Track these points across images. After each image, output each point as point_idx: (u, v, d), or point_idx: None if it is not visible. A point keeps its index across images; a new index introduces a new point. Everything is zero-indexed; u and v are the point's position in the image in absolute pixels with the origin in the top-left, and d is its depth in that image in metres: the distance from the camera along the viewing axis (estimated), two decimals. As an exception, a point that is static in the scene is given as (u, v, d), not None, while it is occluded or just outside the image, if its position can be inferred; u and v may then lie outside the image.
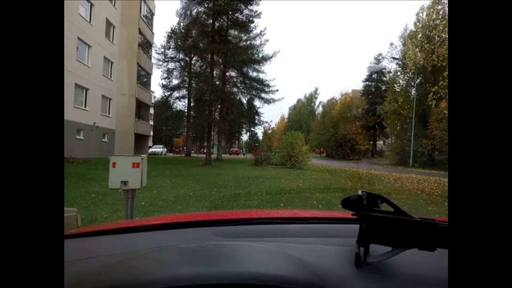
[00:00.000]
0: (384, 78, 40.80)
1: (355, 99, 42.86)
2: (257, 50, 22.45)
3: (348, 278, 0.72)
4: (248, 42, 22.58)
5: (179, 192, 7.87)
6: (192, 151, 31.35)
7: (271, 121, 33.00)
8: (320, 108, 57.36)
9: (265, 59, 22.14)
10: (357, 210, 0.79)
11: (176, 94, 28.43)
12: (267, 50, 43.32)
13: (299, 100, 63.75)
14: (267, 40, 28.35)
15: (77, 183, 8.34)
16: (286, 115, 67.83)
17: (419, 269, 0.80)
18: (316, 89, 63.27)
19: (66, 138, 15.07)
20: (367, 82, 42.82)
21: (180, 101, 28.92)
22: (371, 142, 42.22)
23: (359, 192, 0.77)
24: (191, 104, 27.51)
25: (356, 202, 0.79)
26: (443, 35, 15.22)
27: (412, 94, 25.49)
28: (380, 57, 41.23)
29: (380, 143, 44.96)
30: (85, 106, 17.52)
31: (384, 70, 41.18)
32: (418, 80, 25.28)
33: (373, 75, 42.28)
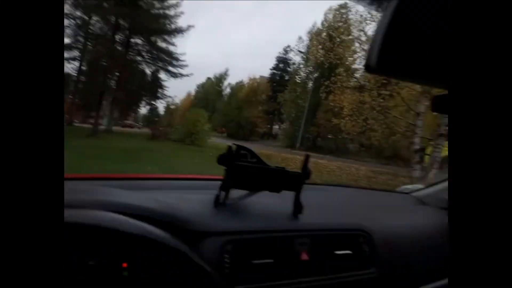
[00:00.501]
0: (289, 69, 43.97)
1: (262, 85, 45.00)
2: (170, 20, 20.74)
3: (207, 216, 0.84)
4: (162, 11, 20.62)
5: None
6: (76, 121, 27.33)
7: (175, 96, 31.55)
8: (228, 90, 57.97)
9: (178, 31, 20.65)
10: (228, 164, 0.89)
11: (66, 54, 24.00)
12: (181, 22, 40.55)
13: (208, 79, 62.79)
14: (182, 13, 26.38)
15: None
16: (193, 92, 66.11)
17: (267, 207, 0.96)
18: (227, 70, 62.89)
19: None
20: (274, 71, 45.34)
21: (69, 63, 24.57)
22: (269, 126, 45.41)
23: (232, 146, 0.88)
24: (83, 68, 23.74)
25: (228, 157, 0.89)
26: (342, 37, 17.33)
27: (309, 86, 28.41)
28: (288, 49, 44.05)
29: (276, 127, 48.89)
30: None
31: (289, 61, 44.37)
32: (316, 74, 28.24)
33: (280, 65, 44.98)
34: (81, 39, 23.89)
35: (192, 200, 0.93)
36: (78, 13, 23.73)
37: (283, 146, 27.53)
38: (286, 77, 43.76)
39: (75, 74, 24.46)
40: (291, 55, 44.35)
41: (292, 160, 13.68)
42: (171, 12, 21.03)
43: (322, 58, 26.77)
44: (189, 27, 21.15)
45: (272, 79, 44.97)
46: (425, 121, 9.12)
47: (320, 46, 27.05)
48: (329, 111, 23.23)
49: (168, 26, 20.69)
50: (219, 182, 0.92)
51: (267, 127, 45.25)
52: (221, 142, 24.95)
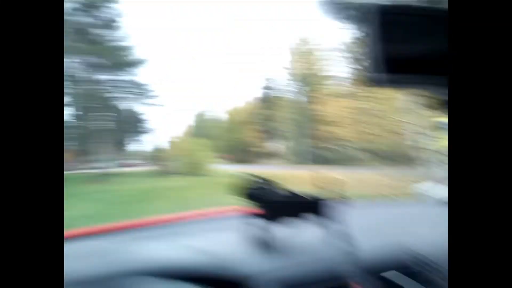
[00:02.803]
0: (279, 88, 44.65)
1: (257, 106, 45.73)
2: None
3: (257, 261, 0.76)
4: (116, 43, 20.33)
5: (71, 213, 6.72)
6: (80, 167, 27.12)
7: (175, 129, 31.50)
8: (226, 116, 58.66)
9: (138, 62, 20.32)
10: (259, 200, 0.85)
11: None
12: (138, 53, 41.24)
13: (204, 108, 63.52)
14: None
15: None
16: (192, 123, 66.58)
17: (312, 241, 0.88)
18: (221, 98, 64.10)
19: None
20: (265, 90, 45.99)
21: (67, 109, 24.56)
22: (271, 145, 45.50)
23: (257, 182, 0.83)
24: (76, 113, 23.77)
25: (256, 191, 0.86)
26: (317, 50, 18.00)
27: (302, 100, 29.45)
28: (277, 68, 44.98)
29: (277, 145, 49.01)
30: None
31: (276, 79, 45.19)
32: (304, 87, 29.37)
33: (269, 83, 45.71)
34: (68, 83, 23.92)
35: (231, 242, 0.86)
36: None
37: (291, 163, 27.51)
38: (279, 95, 44.47)
39: (71, 120, 24.50)
40: (278, 72, 45.47)
41: (303, 176, 13.51)
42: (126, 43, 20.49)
43: (305, 71, 27.67)
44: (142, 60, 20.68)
45: (265, 98, 45.62)
46: (416, 117, 9.15)
47: (300, 61, 28.19)
48: (324, 121, 23.58)
49: (125, 57, 20.26)
50: (241, 214, 0.88)
51: (271, 146, 45.76)
52: (229, 168, 24.90)
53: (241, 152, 40.97)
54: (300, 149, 26.67)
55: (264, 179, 0.89)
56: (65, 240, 0.53)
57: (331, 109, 16.40)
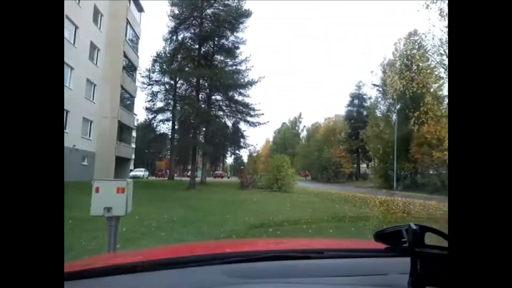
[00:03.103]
0: (365, 104, 42.25)
1: (338, 123, 43.97)
2: (242, 75, 22.80)
3: None
4: (234, 67, 22.94)
5: (162, 217, 7.49)
6: (176, 174, 30.61)
7: (256, 144, 33.03)
8: (305, 132, 58.27)
9: (250, 83, 22.43)
10: (393, 244, 0.72)
11: (160, 116, 28.15)
12: (252, 75, 44.26)
13: (283, 124, 64.69)
14: (253, 66, 28.82)
15: (52, 209, 7.80)
16: (271, 138, 68.50)
17: None
18: (300, 114, 64.31)
19: (42, 161, 14.35)
20: (349, 108, 44.19)
21: (164, 123, 28.62)
22: (355, 165, 42.88)
23: (413, 226, 0.66)
24: (176, 127, 27.23)
25: (393, 235, 0.72)
26: (420, 64, 16.14)
27: (393, 119, 26.36)
28: (361, 84, 42.95)
29: (363, 166, 45.71)
30: (65, 129, 16.94)
31: (364, 96, 42.81)
32: (399, 106, 26.25)
33: (355, 101, 43.73)
34: (171, 101, 28.07)
35: None
36: (166, 79, 28.38)
37: (376, 187, 25.85)
38: (364, 113, 42.08)
39: (169, 133, 28.42)
40: (364, 90, 43.16)
41: (392, 202, 12.30)
42: (243, 67, 23.12)
43: (402, 89, 25.02)
44: (260, 78, 22.64)
45: (348, 116, 43.82)
46: None
47: (396, 77, 25.56)
48: (424, 144, 20.86)
49: (241, 80, 22.43)
50: (369, 260, 0.77)
51: (353, 167, 43.31)
52: (307, 187, 24.59)
53: (321, 170, 39.86)
54: (391, 172, 24.12)
55: (421, 226, 0.68)
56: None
57: (435, 130, 14.45)
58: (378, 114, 29.67)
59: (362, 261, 0.91)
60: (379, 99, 29.77)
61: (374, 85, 29.70)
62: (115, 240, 2.59)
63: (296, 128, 60.98)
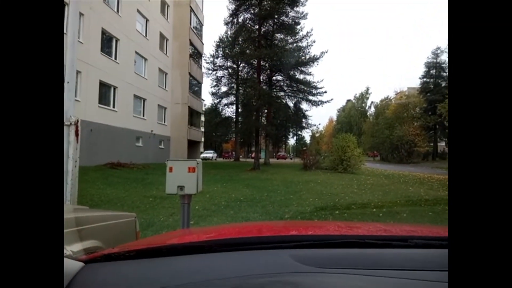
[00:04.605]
0: (444, 74, 37.32)
1: (412, 98, 39.71)
2: (303, 52, 22.01)
3: None
4: (295, 44, 22.22)
5: (230, 196, 7.90)
6: (241, 156, 31.86)
7: (319, 124, 32.14)
8: (372, 109, 54.26)
9: (312, 60, 21.54)
10: None
11: (224, 101, 29.34)
12: (314, 51, 42.22)
13: (348, 101, 61.29)
14: (314, 41, 27.30)
15: (136, 188, 8.86)
16: (335, 117, 65.72)
17: None
18: (367, 89, 59.39)
19: (126, 145, 16.30)
20: (425, 79, 39.56)
21: (228, 107, 29.79)
22: (431, 144, 38.71)
23: None
24: (239, 110, 28.03)
25: None
26: None
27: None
28: (439, 51, 37.90)
29: (441, 144, 40.99)
30: (143, 115, 18.83)
31: (443, 65, 37.74)
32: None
33: (431, 71, 38.91)
34: (234, 85, 28.79)
35: None
36: (229, 63, 29.03)
37: None
38: (443, 84, 37.21)
39: (234, 117, 29.43)
40: (443, 57, 37.91)
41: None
42: (304, 43, 22.20)
43: None
44: (323, 53, 21.51)
45: (424, 88, 39.24)
46: None
47: None
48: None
49: (302, 57, 21.67)
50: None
51: (430, 146, 39.01)
52: (376, 168, 23.17)
53: (391, 150, 36.82)
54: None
55: None
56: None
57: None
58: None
59: (444, 252, 0.78)
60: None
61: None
62: (188, 217, 2.79)
63: (363, 105, 57.07)
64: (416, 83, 42.86)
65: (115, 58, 15.57)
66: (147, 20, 18.90)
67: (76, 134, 2.81)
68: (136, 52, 17.62)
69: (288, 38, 22.27)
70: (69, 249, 1.06)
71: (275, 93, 23.16)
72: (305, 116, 25.58)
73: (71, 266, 0.63)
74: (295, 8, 20.65)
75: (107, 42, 15.09)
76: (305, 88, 22.96)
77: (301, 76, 23.10)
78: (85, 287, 0.60)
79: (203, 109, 35.44)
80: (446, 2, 0.58)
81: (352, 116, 55.79)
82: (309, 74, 23.01)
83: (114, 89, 15.54)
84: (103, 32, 14.49)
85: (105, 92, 14.94)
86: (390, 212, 6.01)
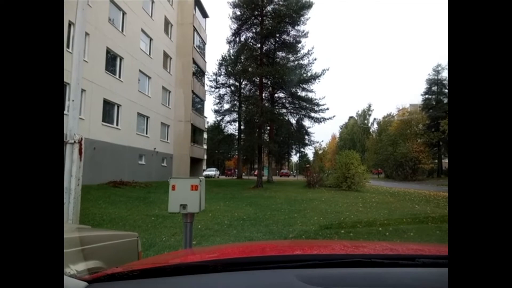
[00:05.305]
0: (446, 90, 37.53)
1: (414, 114, 39.81)
2: (305, 69, 22.31)
3: None
4: (296, 62, 22.57)
5: (233, 215, 7.77)
6: (243, 173, 31.70)
7: (322, 141, 32.08)
8: (375, 126, 54.43)
9: (314, 77, 21.80)
10: None
11: (227, 118, 29.56)
12: (315, 68, 43.05)
13: (351, 118, 61.54)
14: (315, 59, 27.67)
15: (138, 207, 8.76)
16: (338, 134, 65.78)
17: None
18: (370, 105, 60.12)
19: (129, 163, 16.29)
20: (427, 96, 39.77)
21: (231, 124, 29.98)
22: (436, 161, 38.41)
23: None
24: (242, 127, 28.17)
25: None
26: None
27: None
28: (440, 68, 38.30)
29: (446, 161, 40.65)
30: (146, 133, 18.93)
31: (444, 82, 38.02)
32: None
33: (433, 88, 39.18)
34: (236, 102, 29.07)
35: None
36: (231, 81, 29.42)
37: None
38: (445, 100, 37.33)
39: (236, 134, 29.55)
40: (444, 74, 38.26)
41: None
42: (305, 61, 22.50)
43: None
44: (324, 70, 21.77)
45: (426, 105, 39.40)
46: None
47: None
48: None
49: (304, 75, 21.89)
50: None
51: (434, 163, 38.69)
52: (380, 185, 22.89)
53: (395, 167, 36.48)
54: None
55: None
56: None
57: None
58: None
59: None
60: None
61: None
62: (191, 237, 2.71)
63: (365, 121, 57.30)
64: (418, 99, 42.94)
65: (119, 77, 15.83)
66: (151, 39, 19.37)
67: (80, 152, 2.79)
68: (140, 71, 17.94)
69: (290, 56, 22.65)
70: (73, 268, 1.01)
71: (277, 110, 23.30)
72: (307, 133, 25.61)
73: (75, 285, 0.63)
74: (296, 27, 21.13)
75: (112, 61, 15.39)
76: (307, 105, 23.09)
77: (303, 93, 23.31)
78: None
79: (206, 126, 35.68)
80: (446, 20, 0.59)
81: (355, 133, 55.85)
82: (311, 91, 23.23)
83: (118, 107, 15.71)
84: (108, 51, 14.82)
85: (109, 110, 15.10)
86: (396, 231, 5.86)
